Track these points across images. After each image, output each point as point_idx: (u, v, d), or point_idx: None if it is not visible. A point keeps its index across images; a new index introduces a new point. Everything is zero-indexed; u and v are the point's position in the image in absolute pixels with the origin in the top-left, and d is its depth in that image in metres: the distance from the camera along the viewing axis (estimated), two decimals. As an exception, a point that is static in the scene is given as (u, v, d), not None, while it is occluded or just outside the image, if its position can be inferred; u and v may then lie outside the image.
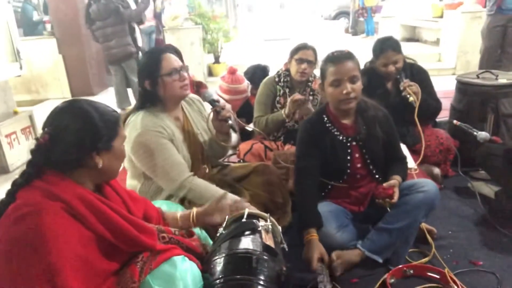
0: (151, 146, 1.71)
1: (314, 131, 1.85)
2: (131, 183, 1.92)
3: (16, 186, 1.04)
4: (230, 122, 1.84)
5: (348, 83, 1.71)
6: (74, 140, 1.05)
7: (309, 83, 2.56)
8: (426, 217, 1.78)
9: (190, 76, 3.27)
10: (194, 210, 1.48)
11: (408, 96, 2.28)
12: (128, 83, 4.86)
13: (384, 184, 1.73)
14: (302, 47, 2.47)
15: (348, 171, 1.82)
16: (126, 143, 1.76)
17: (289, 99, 2.37)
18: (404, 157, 1.95)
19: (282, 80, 2.54)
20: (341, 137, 1.83)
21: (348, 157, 1.82)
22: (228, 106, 1.88)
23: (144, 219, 1.32)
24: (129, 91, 4.96)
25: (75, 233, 1.00)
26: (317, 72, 2.56)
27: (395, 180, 1.76)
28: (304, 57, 2.44)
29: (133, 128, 1.74)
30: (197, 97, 2.09)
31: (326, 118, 1.85)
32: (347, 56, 1.76)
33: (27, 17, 6.99)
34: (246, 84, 3.16)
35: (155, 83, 1.76)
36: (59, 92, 6.00)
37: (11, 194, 1.03)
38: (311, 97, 2.54)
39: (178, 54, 1.97)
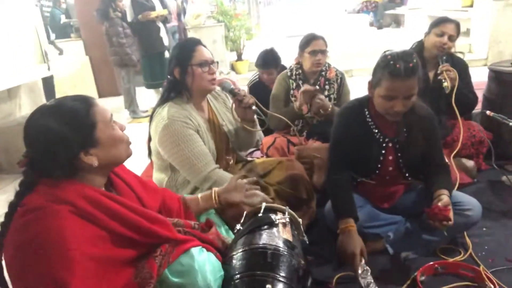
0: (178, 136, 1.72)
1: (352, 120, 1.73)
2: (158, 176, 1.93)
3: (20, 195, 1.00)
4: (254, 107, 1.87)
5: (402, 100, 1.55)
6: (51, 158, 0.98)
7: (323, 73, 2.50)
8: None
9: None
10: (215, 189, 1.53)
11: (443, 80, 2.16)
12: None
13: (439, 204, 1.52)
14: (312, 39, 2.42)
15: (377, 171, 1.74)
16: (153, 134, 1.79)
17: (299, 91, 2.35)
18: (447, 164, 1.77)
19: (294, 73, 2.52)
20: (378, 136, 1.71)
21: (381, 158, 1.72)
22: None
23: (161, 211, 1.31)
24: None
25: (85, 234, 0.96)
26: (329, 60, 2.54)
27: (446, 195, 1.57)
28: (317, 48, 2.40)
29: (159, 119, 1.76)
30: None
31: (367, 112, 1.72)
32: (411, 71, 1.49)
33: (55, 21, 7.22)
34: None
35: (184, 72, 1.78)
36: (86, 93, 5.94)
37: (17, 202, 0.99)
38: (327, 87, 2.49)
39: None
